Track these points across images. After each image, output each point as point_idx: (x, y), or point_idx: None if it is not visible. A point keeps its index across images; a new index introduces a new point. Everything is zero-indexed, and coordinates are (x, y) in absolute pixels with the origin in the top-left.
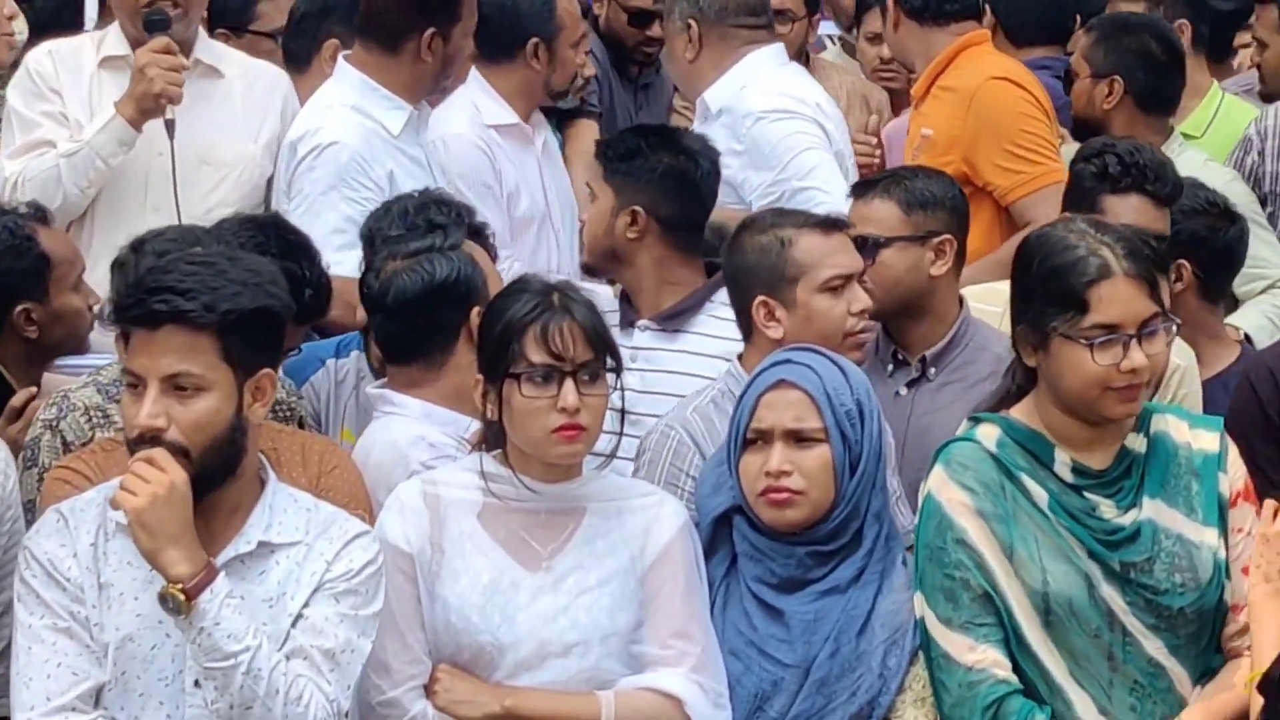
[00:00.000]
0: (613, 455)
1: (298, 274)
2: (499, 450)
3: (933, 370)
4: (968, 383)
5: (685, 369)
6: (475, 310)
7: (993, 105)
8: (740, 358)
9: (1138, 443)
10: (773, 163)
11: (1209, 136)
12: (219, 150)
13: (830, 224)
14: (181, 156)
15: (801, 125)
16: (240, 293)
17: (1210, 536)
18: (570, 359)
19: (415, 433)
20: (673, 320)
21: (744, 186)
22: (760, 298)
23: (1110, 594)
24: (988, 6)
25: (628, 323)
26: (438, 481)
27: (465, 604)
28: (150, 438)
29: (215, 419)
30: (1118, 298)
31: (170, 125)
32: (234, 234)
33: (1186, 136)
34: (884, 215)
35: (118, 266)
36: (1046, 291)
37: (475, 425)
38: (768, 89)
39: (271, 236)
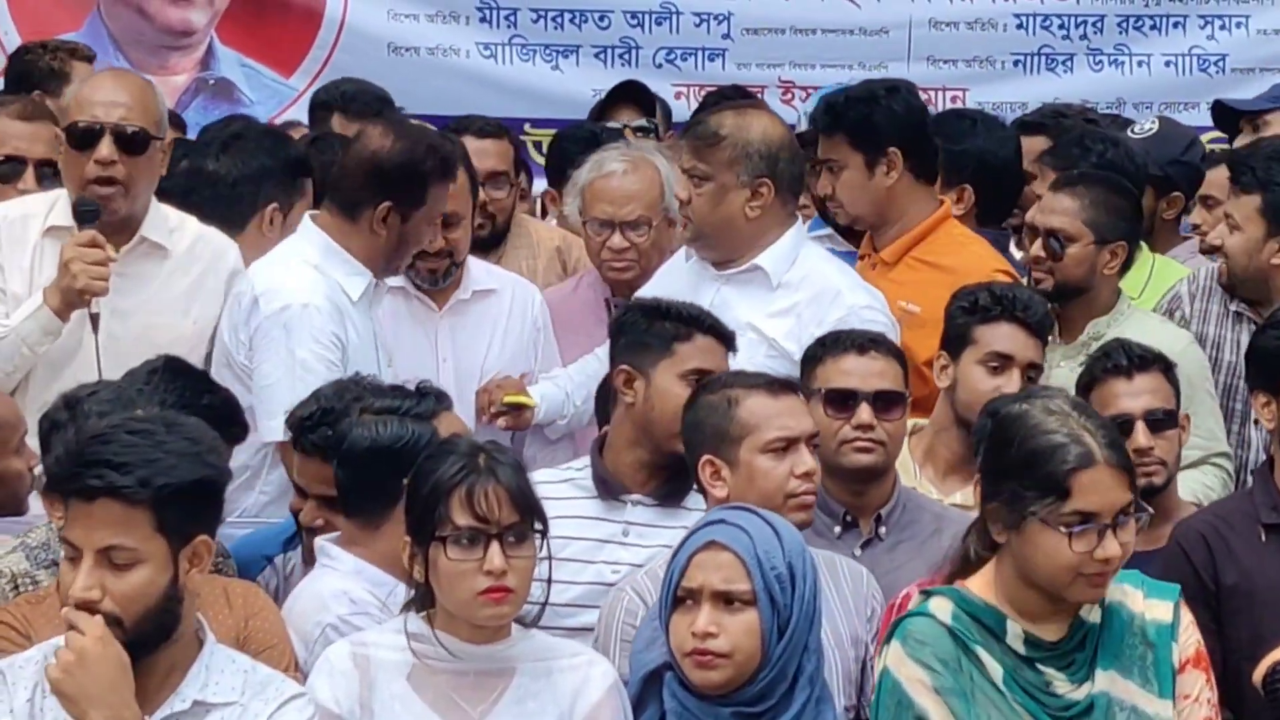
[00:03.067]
0: (535, 623)
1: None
2: (427, 612)
3: (883, 530)
4: (918, 540)
5: None
6: None
7: None
8: None
9: (1092, 614)
10: None
11: (1145, 297)
12: (158, 332)
13: (780, 385)
14: (121, 335)
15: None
16: (177, 465)
17: (1165, 709)
18: (496, 521)
19: (340, 587)
20: (672, 497)
21: None
22: (706, 457)
23: None
24: (970, 187)
25: (612, 495)
26: (368, 643)
27: None
28: (86, 608)
29: (149, 590)
30: (1099, 486)
31: (95, 319)
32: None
33: None
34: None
35: (51, 426)
36: (1025, 474)
37: (401, 589)
38: (848, 281)
39: (189, 386)
